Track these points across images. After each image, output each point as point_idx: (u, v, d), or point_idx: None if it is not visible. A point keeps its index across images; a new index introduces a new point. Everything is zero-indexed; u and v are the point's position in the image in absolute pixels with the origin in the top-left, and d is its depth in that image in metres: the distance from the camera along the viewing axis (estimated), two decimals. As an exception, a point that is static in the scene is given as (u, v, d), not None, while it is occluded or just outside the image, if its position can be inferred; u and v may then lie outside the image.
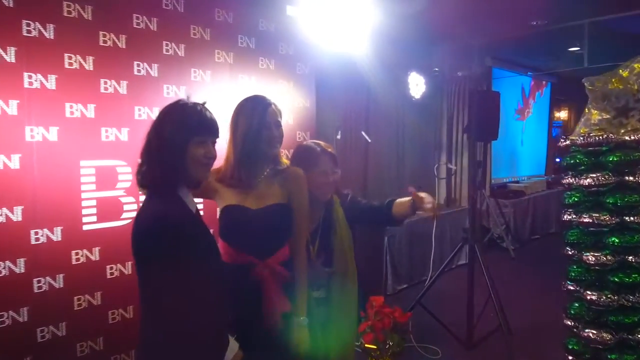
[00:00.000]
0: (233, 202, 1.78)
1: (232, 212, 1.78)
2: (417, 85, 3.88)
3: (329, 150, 2.07)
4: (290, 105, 3.62)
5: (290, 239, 1.83)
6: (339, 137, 3.90)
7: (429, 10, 4.42)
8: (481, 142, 6.54)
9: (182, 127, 1.50)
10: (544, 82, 9.57)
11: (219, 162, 1.81)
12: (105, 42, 2.60)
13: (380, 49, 3.98)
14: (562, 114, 10.72)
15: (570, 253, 2.46)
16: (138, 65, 2.73)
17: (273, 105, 1.82)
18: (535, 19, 5.93)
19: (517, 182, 8.33)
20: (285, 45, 3.58)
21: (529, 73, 8.62)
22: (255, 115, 1.76)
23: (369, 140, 4.07)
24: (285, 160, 1.91)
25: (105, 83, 2.61)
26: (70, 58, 2.47)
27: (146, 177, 1.54)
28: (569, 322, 2.46)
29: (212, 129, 1.57)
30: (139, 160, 1.56)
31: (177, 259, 1.41)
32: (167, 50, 2.86)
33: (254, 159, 1.79)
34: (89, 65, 2.54)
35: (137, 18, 2.72)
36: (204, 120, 1.54)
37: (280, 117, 1.84)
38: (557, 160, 10.48)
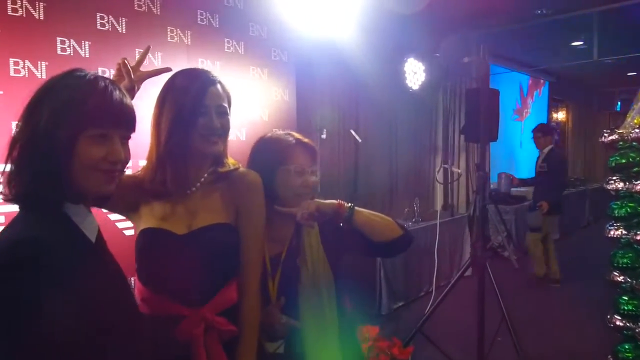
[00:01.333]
0: (152, 224, 1.19)
1: (150, 238, 1.19)
2: (415, 73, 3.34)
3: (307, 141, 1.49)
4: (265, 97, 3.04)
5: (237, 276, 1.25)
6: (324, 136, 3.33)
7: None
8: (479, 143, 6.07)
9: (68, 113, 0.93)
10: (542, 81, 9.10)
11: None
12: (16, 10, 2.00)
13: (372, 32, 3.43)
14: (560, 115, 10.27)
15: (619, 279, 1.90)
16: (63, 43, 2.13)
17: (218, 85, 1.24)
18: (540, 7, 5.45)
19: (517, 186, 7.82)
20: (257, 25, 3.01)
21: (527, 71, 8.16)
22: (189, 95, 1.19)
23: (359, 140, 3.51)
24: (232, 161, 1.32)
25: (17, 64, 2.01)
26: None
27: (15, 187, 0.97)
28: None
29: (120, 117, 0.99)
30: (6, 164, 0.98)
31: (41, 313, 0.85)
32: (103, 25, 2.26)
33: (183, 158, 1.20)
34: (-8, 39, 1.94)
35: (61, -18, 2.12)
36: (106, 103, 0.96)
37: (227, 103, 1.26)
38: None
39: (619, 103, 11.60)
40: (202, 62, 2.67)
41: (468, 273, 4.19)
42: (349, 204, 1.42)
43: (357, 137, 3.43)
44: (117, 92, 1.00)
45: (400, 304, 4.69)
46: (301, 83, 3.42)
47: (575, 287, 5.02)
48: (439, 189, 6.03)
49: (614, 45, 6.27)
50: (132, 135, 1.07)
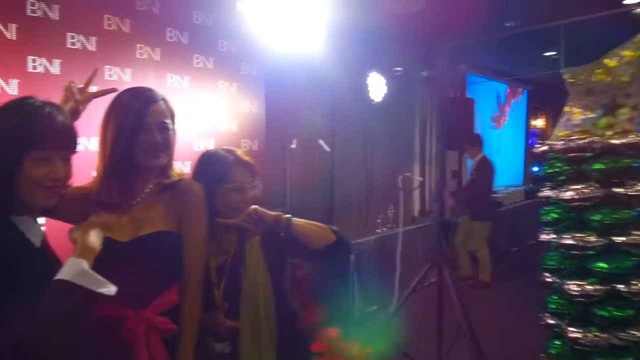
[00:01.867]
0: None
1: None
2: (378, 86, 3.50)
3: (246, 159, 1.62)
4: (234, 110, 3.18)
5: (179, 279, 1.38)
6: (294, 145, 3.47)
7: (395, 8, 4.07)
8: (455, 151, 6.24)
9: (16, 137, 1.11)
10: (519, 90, 9.33)
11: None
12: (-12, 32, 2.13)
13: (340, 47, 3.59)
14: (539, 122, 10.50)
15: (549, 280, 2.06)
16: (34, 61, 2.26)
17: (160, 102, 1.37)
18: (509, 20, 5.65)
19: (495, 192, 8.01)
20: (226, 41, 3.15)
21: (504, 80, 8.39)
22: (130, 112, 1.31)
23: (327, 149, 3.66)
24: (177, 172, 1.45)
25: (-11, 82, 2.14)
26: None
27: None
28: (551, 364, 2.06)
29: (62, 141, 1.17)
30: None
31: None
32: (74, 44, 2.40)
33: (128, 171, 1.34)
34: (-36, 58, 2.07)
35: (33, 5, 2.26)
36: (50, 128, 1.14)
37: (171, 119, 1.39)
38: (535, 169, 10.23)
39: (598, 110, 11.86)
40: (171, 78, 2.80)
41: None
42: (287, 215, 1.55)
43: (325, 147, 3.58)
44: (61, 117, 1.16)
45: (375, 307, 4.82)
46: (272, 94, 3.56)
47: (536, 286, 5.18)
48: (416, 196, 6.20)
49: (581, 56, 6.48)
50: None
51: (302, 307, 4.05)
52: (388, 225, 5.17)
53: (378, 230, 5.04)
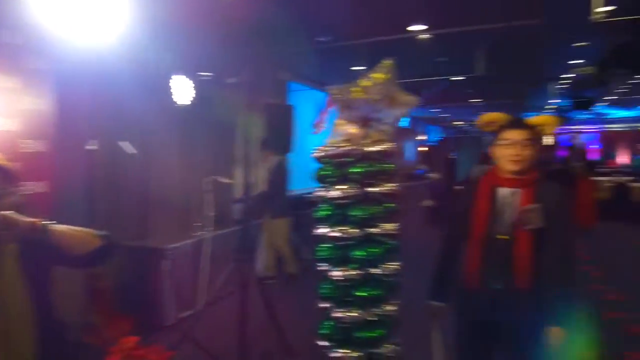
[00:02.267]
0: None
1: None
2: (184, 89, 3.52)
3: (0, 164, 1.51)
4: (14, 106, 2.90)
5: None
6: (94, 147, 3.28)
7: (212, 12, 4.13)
8: (276, 155, 6.53)
9: None
10: (338, 99, 10.17)
11: None
12: None
13: (145, 45, 3.52)
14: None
15: (322, 269, 2.34)
16: None
17: None
18: (320, 35, 6.15)
19: (310, 193, 8.56)
20: (9, 33, 2.87)
21: (321, 88, 9.07)
22: None
23: (132, 152, 3.54)
24: None
25: None
26: None
27: None
28: (323, 344, 2.32)
29: None
30: None
31: None
32: None
33: None
34: None
35: None
36: None
37: None
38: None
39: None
40: None
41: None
42: (46, 221, 1.49)
43: (128, 149, 3.46)
44: None
45: (189, 312, 4.79)
46: (68, 92, 3.32)
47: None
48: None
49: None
50: None
51: (105, 319, 3.84)
52: (205, 229, 5.20)
53: (195, 234, 5.03)
